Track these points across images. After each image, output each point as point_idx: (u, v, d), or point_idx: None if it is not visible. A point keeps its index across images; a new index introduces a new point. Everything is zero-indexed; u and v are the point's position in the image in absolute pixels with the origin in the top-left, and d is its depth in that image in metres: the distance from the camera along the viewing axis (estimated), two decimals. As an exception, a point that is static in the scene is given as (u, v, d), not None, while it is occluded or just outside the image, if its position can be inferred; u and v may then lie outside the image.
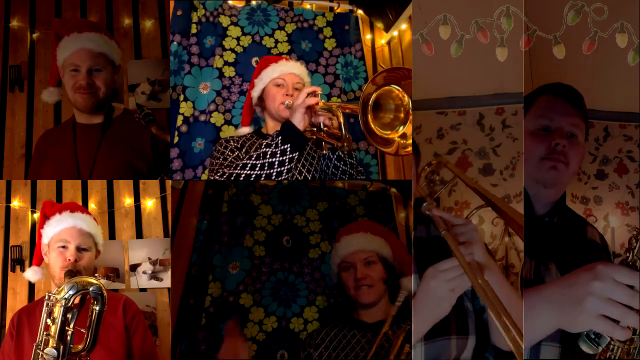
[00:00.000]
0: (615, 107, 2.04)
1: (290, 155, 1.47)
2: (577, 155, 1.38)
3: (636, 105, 1.84)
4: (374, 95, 1.34)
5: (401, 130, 1.41)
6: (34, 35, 2.39)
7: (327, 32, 2.44)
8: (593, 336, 1.11)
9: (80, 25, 1.83)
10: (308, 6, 2.46)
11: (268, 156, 1.47)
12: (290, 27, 2.40)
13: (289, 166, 1.47)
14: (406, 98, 1.40)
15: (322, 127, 1.53)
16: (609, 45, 1.59)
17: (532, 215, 1.40)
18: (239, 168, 1.50)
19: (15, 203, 2.23)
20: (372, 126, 1.35)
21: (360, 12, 2.50)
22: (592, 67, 1.70)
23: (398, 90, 1.39)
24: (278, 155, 1.46)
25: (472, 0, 1.66)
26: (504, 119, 2.01)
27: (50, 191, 2.25)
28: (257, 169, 1.47)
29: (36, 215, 2.17)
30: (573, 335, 1.12)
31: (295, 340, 1.96)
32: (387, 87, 1.37)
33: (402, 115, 1.41)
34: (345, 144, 1.46)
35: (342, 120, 1.44)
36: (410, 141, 1.41)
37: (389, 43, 2.50)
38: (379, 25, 2.50)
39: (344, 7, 2.48)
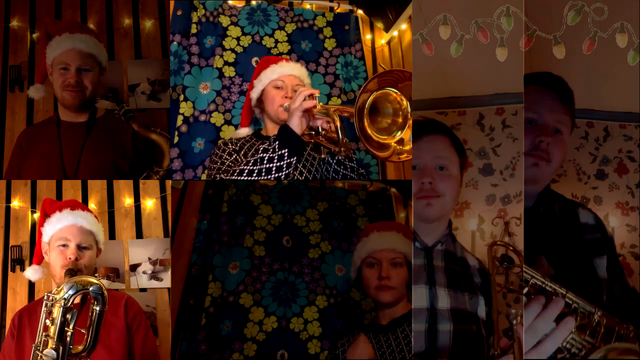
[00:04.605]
0: (615, 107, 2.03)
1: (288, 160, 1.44)
2: (560, 151, 1.36)
3: (636, 105, 1.84)
4: (369, 100, 1.29)
5: (398, 135, 1.37)
6: (34, 35, 2.40)
7: (327, 32, 2.44)
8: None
9: (73, 26, 1.90)
10: (308, 6, 2.46)
11: (265, 162, 1.44)
12: (290, 27, 2.40)
13: (286, 171, 1.44)
14: (404, 102, 1.35)
15: (320, 130, 1.49)
16: (609, 45, 1.58)
17: None
18: (236, 174, 1.47)
19: (15, 203, 2.23)
20: (369, 131, 1.31)
21: (360, 12, 2.50)
22: (592, 67, 1.70)
23: (396, 93, 1.35)
24: (275, 161, 1.44)
25: (472, 0, 1.66)
26: (504, 119, 2.01)
27: (50, 191, 2.25)
28: (255, 174, 1.44)
29: (36, 215, 2.17)
30: None
31: (295, 340, 1.96)
32: (384, 90, 1.33)
33: (400, 120, 1.37)
34: (342, 148, 1.43)
35: (338, 125, 1.40)
36: (407, 147, 1.36)
37: (389, 43, 2.50)
38: (379, 25, 2.50)
39: (344, 7, 2.48)
